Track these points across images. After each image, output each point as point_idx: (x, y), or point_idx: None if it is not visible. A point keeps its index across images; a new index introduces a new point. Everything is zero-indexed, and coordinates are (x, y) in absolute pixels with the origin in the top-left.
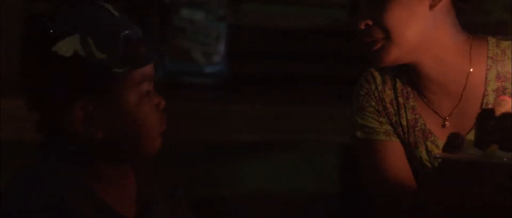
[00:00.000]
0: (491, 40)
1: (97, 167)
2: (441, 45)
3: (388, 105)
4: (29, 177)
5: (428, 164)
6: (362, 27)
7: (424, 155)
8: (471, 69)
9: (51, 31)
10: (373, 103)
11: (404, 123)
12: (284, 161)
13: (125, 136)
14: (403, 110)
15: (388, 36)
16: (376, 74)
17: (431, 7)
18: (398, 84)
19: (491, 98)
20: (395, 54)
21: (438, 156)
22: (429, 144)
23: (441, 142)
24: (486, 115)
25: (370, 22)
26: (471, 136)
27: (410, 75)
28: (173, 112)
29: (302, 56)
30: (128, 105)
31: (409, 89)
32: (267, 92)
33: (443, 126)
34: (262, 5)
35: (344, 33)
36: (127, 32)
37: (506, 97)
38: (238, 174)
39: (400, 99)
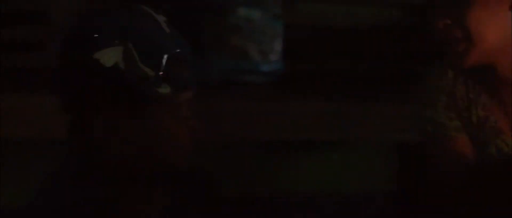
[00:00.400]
0: None
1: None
2: None
3: (459, 101)
4: (55, 184)
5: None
6: (441, 26)
7: (493, 153)
8: None
9: (98, 35)
10: (444, 98)
11: (474, 119)
12: (340, 159)
13: (151, 154)
14: (473, 106)
15: (468, 37)
16: (448, 69)
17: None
18: (470, 80)
19: None
20: (476, 56)
21: None
22: (499, 142)
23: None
24: None
25: (449, 21)
26: None
27: (483, 74)
28: (230, 110)
29: (358, 55)
30: (158, 125)
31: (480, 86)
32: (324, 91)
33: None
34: (318, 3)
35: (402, 31)
36: (172, 53)
37: None
38: (295, 172)
39: (471, 96)
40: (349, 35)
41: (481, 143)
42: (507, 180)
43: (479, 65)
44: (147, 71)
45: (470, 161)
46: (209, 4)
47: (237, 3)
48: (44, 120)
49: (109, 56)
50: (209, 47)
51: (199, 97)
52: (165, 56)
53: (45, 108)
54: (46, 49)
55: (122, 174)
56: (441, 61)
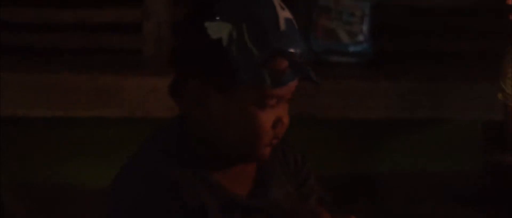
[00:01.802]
0: None
1: (213, 150)
2: None
3: None
4: (143, 155)
5: None
6: None
7: None
8: None
9: (218, 9)
10: None
11: None
12: (428, 138)
13: (231, 136)
14: None
15: None
16: None
17: None
18: None
19: None
20: None
21: None
22: None
23: None
24: None
25: None
26: None
27: None
28: (320, 90)
29: (446, 34)
30: (243, 111)
31: None
32: (412, 70)
33: None
34: None
35: (486, 10)
36: (278, 48)
37: None
38: (383, 151)
39: None
40: (436, 14)
41: None
42: None
43: None
44: (248, 57)
45: None
46: None
47: None
48: (139, 99)
49: (217, 29)
50: (298, 28)
51: None
52: (268, 50)
53: (140, 88)
54: (141, 31)
55: (209, 151)
56: None
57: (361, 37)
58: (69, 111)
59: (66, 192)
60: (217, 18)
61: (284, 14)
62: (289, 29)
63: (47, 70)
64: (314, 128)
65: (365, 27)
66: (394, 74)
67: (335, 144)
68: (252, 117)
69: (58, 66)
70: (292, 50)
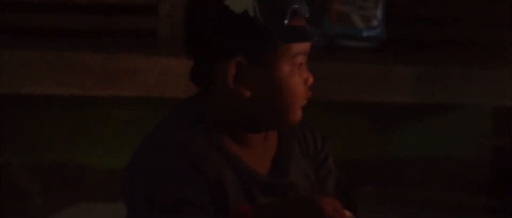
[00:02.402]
0: None
1: (235, 128)
2: None
3: None
4: (162, 130)
5: None
6: None
7: None
8: None
9: None
10: None
11: None
12: (441, 123)
13: (270, 102)
14: None
15: None
16: None
17: None
18: None
19: None
20: None
21: None
22: None
23: None
24: None
25: None
26: None
27: None
28: (334, 73)
29: (459, 20)
30: (280, 74)
31: None
32: (425, 56)
33: None
34: None
35: None
36: (296, 6)
37: None
38: (396, 136)
39: None
40: (450, 1)
41: None
42: None
43: None
44: (271, 21)
45: None
46: None
47: None
48: (154, 79)
49: (240, 4)
50: (313, 12)
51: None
52: (290, 9)
53: (155, 68)
54: (157, 13)
55: (241, 124)
56: None
57: (375, 22)
58: (85, 90)
59: (81, 171)
60: None
61: None
62: None
63: (63, 49)
64: (328, 111)
65: (379, 12)
66: (407, 59)
67: (349, 128)
68: (289, 79)
69: (74, 46)
70: (305, 6)
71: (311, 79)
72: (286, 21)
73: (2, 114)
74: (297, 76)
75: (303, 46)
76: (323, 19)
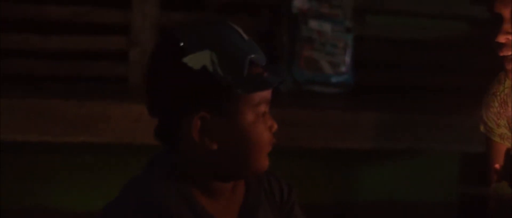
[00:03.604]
0: None
1: (205, 179)
2: None
3: (510, 109)
4: (135, 184)
5: None
6: (503, 41)
7: None
8: None
9: (184, 43)
10: (496, 104)
11: None
12: (408, 168)
13: (237, 152)
14: None
15: None
16: (506, 79)
17: None
18: None
19: None
20: None
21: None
22: None
23: None
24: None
25: (510, 37)
26: None
27: None
28: (303, 120)
29: (425, 67)
30: (244, 123)
31: None
32: (392, 102)
33: None
34: (386, 16)
35: (466, 45)
36: (253, 56)
37: None
38: (365, 181)
39: None
40: (417, 47)
41: None
42: None
43: None
44: (230, 73)
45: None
46: (283, 17)
47: (309, 16)
48: (125, 126)
49: (197, 60)
50: (282, 58)
51: (273, 106)
52: (247, 59)
53: (126, 115)
54: (127, 59)
55: (209, 175)
56: (503, 71)
57: (343, 68)
58: (58, 137)
59: (53, 216)
60: (191, 51)
61: (240, 29)
62: (250, 38)
63: (35, 96)
64: (297, 157)
65: (347, 59)
66: (375, 105)
67: (318, 174)
68: (253, 128)
69: (46, 93)
70: (261, 54)
71: (275, 126)
72: (244, 72)
73: None
74: (261, 125)
75: (264, 95)
76: (292, 65)
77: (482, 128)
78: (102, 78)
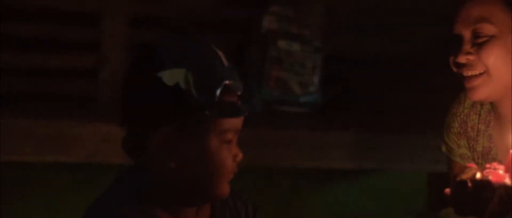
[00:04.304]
0: None
1: (168, 200)
2: None
3: (469, 129)
4: (98, 206)
5: None
6: (464, 61)
7: None
8: None
9: (162, 57)
10: (457, 125)
11: (479, 148)
12: (375, 188)
13: (197, 175)
14: (481, 137)
15: (487, 72)
16: (467, 99)
17: None
18: (483, 111)
19: None
20: (490, 91)
21: None
22: None
23: None
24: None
25: (471, 57)
26: None
27: (493, 107)
28: (271, 139)
29: (393, 86)
30: (208, 147)
31: (491, 117)
32: (361, 121)
33: None
34: (355, 36)
35: (433, 63)
36: (228, 82)
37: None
38: (331, 200)
39: (481, 126)
40: (386, 66)
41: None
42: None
43: (491, 100)
44: (202, 95)
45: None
46: (252, 36)
47: (278, 36)
48: (94, 145)
49: (172, 77)
50: (251, 78)
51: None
52: (222, 84)
53: (95, 134)
54: (97, 77)
55: (170, 196)
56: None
57: (312, 88)
58: (26, 156)
59: None
60: (167, 66)
61: (222, 54)
62: (230, 65)
63: (3, 115)
64: (264, 177)
65: (316, 78)
66: (343, 125)
67: (285, 193)
68: (216, 153)
69: (15, 112)
70: (239, 83)
71: (240, 156)
72: (217, 96)
73: None
74: (225, 151)
75: (233, 123)
76: (262, 85)
77: (443, 148)
78: (72, 97)
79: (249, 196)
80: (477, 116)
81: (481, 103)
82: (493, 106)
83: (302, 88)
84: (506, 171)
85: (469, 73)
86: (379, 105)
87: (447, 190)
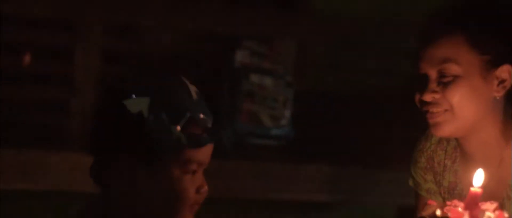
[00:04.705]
0: None
1: None
2: (488, 128)
3: (436, 165)
4: None
5: None
6: (429, 99)
7: None
8: (505, 152)
9: (130, 87)
10: (423, 160)
11: (445, 184)
12: None
13: (158, 205)
14: (447, 172)
15: (451, 110)
16: (433, 135)
17: (496, 96)
18: (449, 147)
19: None
20: (454, 128)
21: None
22: None
23: None
24: None
25: (437, 96)
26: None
27: (459, 144)
28: (241, 171)
29: (363, 120)
30: (169, 177)
31: (457, 154)
32: (331, 155)
33: None
34: (327, 71)
35: (403, 98)
36: (193, 115)
37: (432, 202)
38: None
39: (447, 162)
40: (357, 101)
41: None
42: None
43: (454, 136)
44: (165, 126)
45: None
46: (224, 70)
47: (251, 70)
48: (64, 173)
49: (136, 105)
50: (223, 111)
51: (212, 157)
52: (186, 116)
53: (65, 163)
54: (67, 108)
55: None
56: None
57: (283, 121)
58: None
59: None
60: (133, 96)
61: (193, 87)
62: (199, 98)
63: None
64: (235, 209)
65: (287, 112)
66: (314, 158)
67: None
68: (178, 184)
69: None
70: (205, 116)
71: (205, 188)
72: (179, 127)
73: None
74: (187, 183)
75: (196, 154)
76: (234, 118)
77: (410, 182)
78: (43, 127)
79: None
80: (444, 151)
81: (447, 140)
82: (459, 143)
83: (274, 122)
84: (466, 208)
85: (434, 110)
86: (349, 139)
87: None
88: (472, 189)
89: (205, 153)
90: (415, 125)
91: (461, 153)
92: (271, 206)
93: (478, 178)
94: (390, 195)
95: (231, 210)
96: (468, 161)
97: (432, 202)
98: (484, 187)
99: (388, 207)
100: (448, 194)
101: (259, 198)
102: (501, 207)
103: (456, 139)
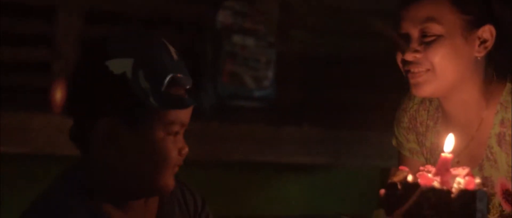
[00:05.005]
0: (509, 85)
1: (113, 194)
2: (469, 89)
3: (418, 125)
4: (41, 202)
5: None
6: (411, 59)
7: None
8: (484, 113)
9: (111, 47)
10: (406, 120)
11: (427, 144)
12: (327, 183)
13: (140, 166)
14: (429, 132)
15: (433, 69)
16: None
17: (477, 56)
18: (432, 107)
19: (493, 141)
20: (434, 87)
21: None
22: None
23: None
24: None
25: (418, 55)
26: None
27: (441, 104)
28: (225, 134)
29: (345, 83)
30: (152, 138)
31: (439, 114)
32: (313, 117)
33: (457, 162)
34: (309, 33)
35: (386, 61)
36: (176, 75)
37: (404, 168)
38: (284, 195)
39: (430, 122)
40: (339, 63)
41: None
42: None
43: (435, 96)
44: (149, 85)
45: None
46: (206, 31)
47: (233, 31)
48: (46, 137)
49: (119, 66)
50: (205, 73)
51: (195, 119)
52: (169, 77)
53: (48, 126)
54: (49, 70)
55: (115, 188)
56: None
57: (266, 83)
58: None
59: None
60: (115, 56)
61: (173, 48)
62: (180, 59)
63: None
64: (216, 171)
65: (270, 73)
66: (297, 120)
67: (237, 187)
68: (161, 145)
69: None
70: (187, 77)
71: (186, 150)
72: (162, 88)
73: None
74: (169, 144)
75: (179, 115)
76: (216, 80)
77: (394, 142)
78: (24, 89)
79: (201, 189)
80: (426, 112)
81: (430, 100)
82: (440, 103)
83: (256, 83)
84: (436, 174)
85: (415, 70)
86: (332, 102)
87: (382, 191)
88: (442, 154)
89: (187, 114)
90: (399, 88)
91: (443, 114)
92: (253, 168)
93: (449, 143)
94: (374, 157)
95: (212, 173)
96: (449, 122)
97: (404, 168)
98: (464, 148)
99: (372, 169)
100: (430, 154)
101: (242, 160)
102: (480, 168)
103: (438, 99)
